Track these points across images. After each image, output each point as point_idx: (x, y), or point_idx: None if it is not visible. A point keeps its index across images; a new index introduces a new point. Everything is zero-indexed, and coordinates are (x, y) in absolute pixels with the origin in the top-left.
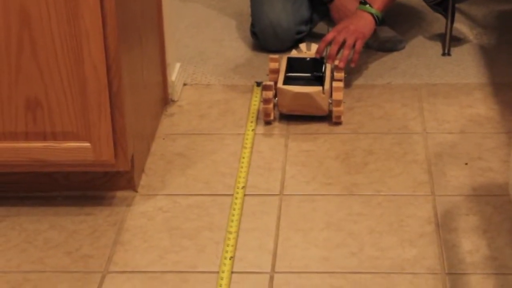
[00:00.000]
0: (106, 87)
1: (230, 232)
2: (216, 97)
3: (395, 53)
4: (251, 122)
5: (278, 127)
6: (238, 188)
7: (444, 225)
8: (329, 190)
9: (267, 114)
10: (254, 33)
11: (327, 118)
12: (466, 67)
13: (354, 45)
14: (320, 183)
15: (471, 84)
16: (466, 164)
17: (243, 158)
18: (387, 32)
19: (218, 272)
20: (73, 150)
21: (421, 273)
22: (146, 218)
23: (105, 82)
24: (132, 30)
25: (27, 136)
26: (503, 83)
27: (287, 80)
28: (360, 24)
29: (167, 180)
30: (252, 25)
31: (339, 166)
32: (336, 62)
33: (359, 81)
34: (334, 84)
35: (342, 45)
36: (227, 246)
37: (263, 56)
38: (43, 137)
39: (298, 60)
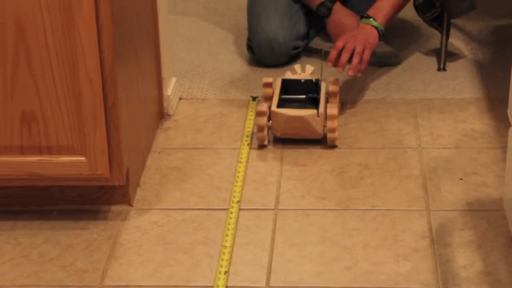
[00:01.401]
0: (102, 101)
1: (225, 247)
2: (212, 112)
3: (391, 68)
4: (247, 136)
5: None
6: (233, 203)
7: (438, 240)
8: (324, 204)
9: (261, 140)
10: (250, 48)
11: (322, 141)
12: (461, 82)
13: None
14: (315, 198)
15: (466, 99)
16: (461, 179)
17: (238, 172)
18: (383, 47)
19: (212, 287)
20: (68, 164)
21: (415, 287)
22: (141, 232)
23: (101, 96)
24: (128, 44)
25: (22, 150)
26: (498, 98)
27: (282, 103)
28: (366, 35)
29: (162, 194)
30: (249, 39)
31: (334, 180)
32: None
33: (354, 96)
34: (329, 111)
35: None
36: (222, 260)
37: (259, 71)
38: (39, 151)
39: (292, 82)
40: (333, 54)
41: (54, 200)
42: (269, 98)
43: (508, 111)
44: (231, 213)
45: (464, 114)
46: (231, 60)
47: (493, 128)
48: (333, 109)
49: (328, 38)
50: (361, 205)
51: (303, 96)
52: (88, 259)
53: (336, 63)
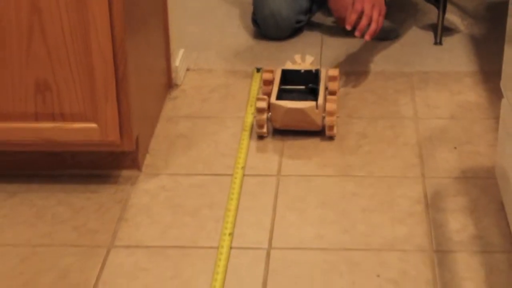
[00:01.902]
0: (113, 71)
1: (229, 210)
2: (218, 82)
3: (389, 42)
4: (251, 106)
5: None
6: (237, 169)
7: (433, 205)
8: (324, 171)
9: (260, 126)
10: (255, 21)
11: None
12: (456, 55)
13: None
14: (315, 165)
15: (461, 72)
16: (455, 148)
17: (243, 140)
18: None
19: (217, 248)
20: (80, 130)
21: (410, 250)
22: (150, 196)
23: (112, 67)
24: (137, 18)
25: (36, 117)
26: (491, 71)
27: (281, 93)
28: (380, 0)
29: (170, 160)
30: (254, 14)
31: (334, 148)
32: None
33: (354, 68)
34: (328, 106)
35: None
36: (226, 223)
37: (263, 43)
38: (52, 118)
39: (292, 73)
40: (353, 17)
41: (66, 165)
42: (268, 82)
43: (501, 83)
44: (235, 178)
45: (459, 86)
46: (236, 33)
47: (487, 99)
48: (332, 104)
49: (330, 13)
50: (360, 172)
51: (303, 87)
52: (99, 220)
53: (354, 25)
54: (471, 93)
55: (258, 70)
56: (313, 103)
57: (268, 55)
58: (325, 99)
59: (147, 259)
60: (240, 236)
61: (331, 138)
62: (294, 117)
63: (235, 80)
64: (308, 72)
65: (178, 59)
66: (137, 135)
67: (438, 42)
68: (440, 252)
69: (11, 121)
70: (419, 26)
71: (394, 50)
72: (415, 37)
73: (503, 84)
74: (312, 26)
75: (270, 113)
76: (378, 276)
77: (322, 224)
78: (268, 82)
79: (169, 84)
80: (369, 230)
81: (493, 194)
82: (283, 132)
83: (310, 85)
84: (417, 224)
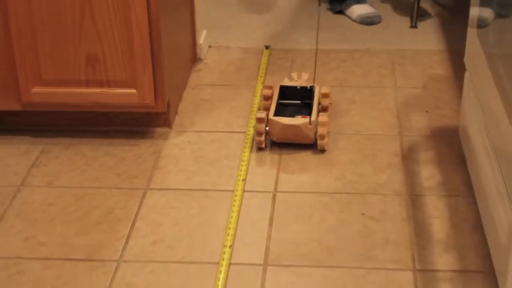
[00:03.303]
0: (149, 46)
1: (243, 160)
2: (234, 57)
3: (374, 26)
4: (261, 76)
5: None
6: (249, 127)
7: (408, 157)
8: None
9: (259, 142)
10: None
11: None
12: (428, 37)
13: None
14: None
15: (432, 50)
16: (426, 111)
17: (254, 103)
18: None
19: (233, 191)
20: (122, 95)
21: (389, 194)
22: (178, 149)
23: (148, 42)
24: (169, 2)
25: (87, 84)
26: (457, 49)
27: (280, 107)
28: None
29: (195, 119)
30: None
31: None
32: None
33: (344, 46)
34: (320, 119)
35: None
36: (241, 171)
37: (272, 26)
38: (100, 84)
39: (289, 88)
40: None
41: (111, 122)
42: (268, 97)
43: (464, 59)
44: (247, 135)
45: (430, 62)
46: (250, 17)
47: (453, 73)
48: (323, 118)
49: None
50: (349, 130)
51: (299, 101)
52: (138, 168)
53: None
54: (440, 68)
55: (267, 47)
56: (306, 120)
57: (275, 36)
58: (317, 115)
59: (176, 199)
60: (251, 182)
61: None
62: (289, 132)
63: (248, 56)
64: (303, 88)
65: (202, 38)
66: (169, 99)
67: (413, 26)
68: (413, 196)
69: (67, 87)
70: (398, 13)
71: (377, 32)
72: (395, 22)
73: (466, 60)
74: (312, 14)
75: (268, 127)
76: (363, 214)
77: (318, 172)
78: (268, 98)
79: (194, 58)
80: (356, 178)
81: (456, 149)
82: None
83: (305, 100)
84: (395, 173)
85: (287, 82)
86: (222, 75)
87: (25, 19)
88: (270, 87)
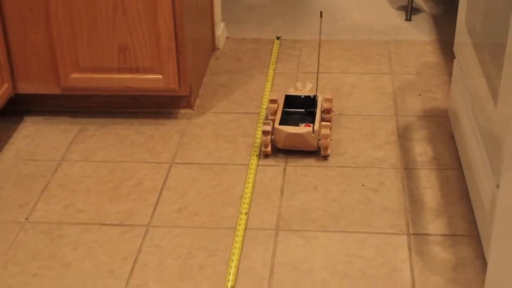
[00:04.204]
0: (173, 37)
1: (257, 138)
2: (248, 47)
3: (373, 19)
4: (273, 64)
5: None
6: (262, 109)
7: (403, 135)
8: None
9: (265, 145)
10: None
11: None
12: (422, 29)
13: None
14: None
15: (425, 41)
16: (420, 95)
17: (266, 88)
18: None
19: (248, 164)
20: (150, 80)
21: (386, 168)
22: (200, 128)
23: (173, 34)
24: None
25: (119, 70)
26: (447, 40)
27: (285, 115)
28: None
29: (214, 102)
30: None
31: (332, 94)
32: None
33: (346, 37)
34: (323, 131)
35: None
36: (255, 147)
37: (281, 19)
38: (130, 71)
39: (294, 98)
40: None
41: (141, 104)
42: (274, 112)
43: (454, 48)
44: (261, 115)
45: (423, 51)
46: (262, 11)
47: (443, 60)
48: (326, 129)
49: None
50: (350, 112)
51: (303, 110)
52: (164, 145)
53: None
54: (432, 56)
55: (278, 38)
56: (310, 129)
57: (285, 27)
58: (320, 124)
59: (198, 172)
60: (265, 157)
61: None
62: (293, 140)
63: (261, 46)
64: (307, 97)
65: (220, 30)
66: (191, 84)
67: (408, 19)
68: (408, 169)
69: (101, 73)
70: (394, 7)
71: (376, 24)
72: (391, 15)
73: (455, 49)
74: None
75: (273, 136)
76: (363, 185)
77: None
78: (273, 112)
79: (213, 48)
80: (357, 153)
81: (446, 128)
82: (297, 75)
83: (309, 109)
84: (392, 149)
85: (292, 92)
86: (237, 62)
87: (65, 13)
88: (275, 101)
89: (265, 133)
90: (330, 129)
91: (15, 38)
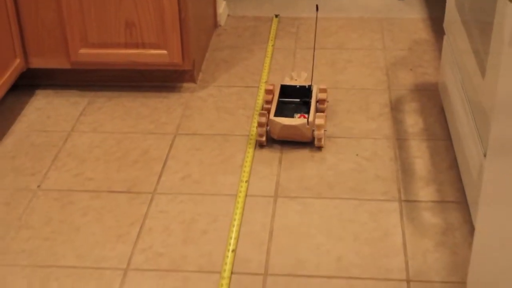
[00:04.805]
0: (177, 14)
1: (257, 110)
2: (248, 24)
3: None
4: (271, 40)
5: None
6: (262, 83)
7: (395, 108)
8: (321, 84)
9: (260, 135)
10: None
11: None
12: (413, 7)
13: None
14: (314, 81)
15: (416, 18)
16: (411, 69)
17: (266, 63)
18: None
19: (248, 135)
20: (155, 55)
21: (379, 138)
22: (202, 101)
23: (177, 10)
24: None
25: (126, 46)
26: (437, 17)
27: (280, 105)
28: None
29: (216, 76)
30: None
31: (328, 69)
32: None
33: (342, 15)
34: (317, 121)
35: None
36: (254, 118)
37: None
38: (136, 46)
39: (289, 87)
40: None
41: (146, 78)
42: (269, 101)
43: (443, 25)
44: (260, 89)
45: (415, 28)
46: None
47: (434, 37)
48: (320, 121)
49: None
50: (345, 85)
51: (298, 100)
52: (168, 117)
53: None
54: (423, 33)
55: (276, 16)
56: (304, 121)
57: (284, 6)
58: (314, 116)
59: (201, 142)
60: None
61: (319, 148)
62: (288, 131)
63: (261, 23)
64: (302, 87)
65: (222, 8)
66: (194, 59)
67: None
68: (400, 140)
69: (109, 48)
70: None
71: (370, 3)
72: None
73: (445, 26)
74: None
75: (269, 127)
76: (357, 155)
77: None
78: (269, 101)
79: (215, 25)
80: (352, 125)
81: (436, 101)
82: (295, 49)
83: (304, 99)
84: (384, 120)
85: (287, 82)
86: (238, 39)
87: None
88: (271, 90)
89: (260, 124)
90: (325, 120)
91: (27, 15)
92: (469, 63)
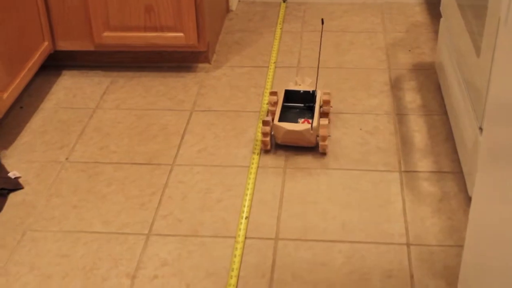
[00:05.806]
0: (193, 0)
1: (267, 88)
2: (258, 9)
3: None
4: (280, 24)
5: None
6: (271, 63)
7: (395, 86)
8: (326, 64)
9: (265, 144)
10: None
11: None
12: None
13: None
14: (320, 61)
15: (413, 2)
16: (410, 50)
17: (274, 45)
18: None
19: (259, 111)
20: (173, 37)
21: (380, 113)
22: (216, 80)
23: None
24: None
25: (145, 29)
26: (433, 2)
27: (284, 109)
28: None
29: (229, 57)
30: None
31: (332, 50)
32: None
33: (346, 0)
34: (321, 122)
35: None
36: (265, 96)
37: None
38: (155, 29)
39: (293, 92)
40: None
41: (164, 59)
42: (273, 103)
43: (440, 8)
44: (270, 69)
45: (412, 12)
46: None
47: (430, 19)
48: (324, 128)
49: None
50: (349, 65)
51: (302, 105)
52: (185, 94)
53: None
54: (420, 16)
55: (284, 1)
56: (308, 126)
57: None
58: (319, 121)
59: (215, 118)
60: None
61: (323, 154)
62: (292, 136)
63: (270, 8)
64: (306, 92)
65: None
66: (208, 41)
67: None
68: (399, 115)
69: (130, 31)
70: None
71: None
72: None
73: (442, 8)
74: None
75: (273, 132)
76: (361, 129)
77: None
78: (274, 103)
79: (227, 10)
80: (355, 101)
81: (433, 79)
82: (301, 32)
83: (308, 104)
84: (385, 97)
85: (291, 87)
86: (249, 23)
87: None
88: (275, 92)
89: (264, 134)
90: (329, 122)
91: (54, 1)
92: (464, 43)
